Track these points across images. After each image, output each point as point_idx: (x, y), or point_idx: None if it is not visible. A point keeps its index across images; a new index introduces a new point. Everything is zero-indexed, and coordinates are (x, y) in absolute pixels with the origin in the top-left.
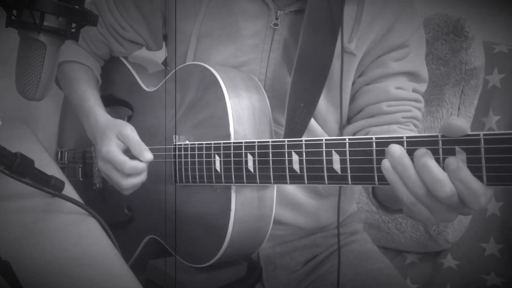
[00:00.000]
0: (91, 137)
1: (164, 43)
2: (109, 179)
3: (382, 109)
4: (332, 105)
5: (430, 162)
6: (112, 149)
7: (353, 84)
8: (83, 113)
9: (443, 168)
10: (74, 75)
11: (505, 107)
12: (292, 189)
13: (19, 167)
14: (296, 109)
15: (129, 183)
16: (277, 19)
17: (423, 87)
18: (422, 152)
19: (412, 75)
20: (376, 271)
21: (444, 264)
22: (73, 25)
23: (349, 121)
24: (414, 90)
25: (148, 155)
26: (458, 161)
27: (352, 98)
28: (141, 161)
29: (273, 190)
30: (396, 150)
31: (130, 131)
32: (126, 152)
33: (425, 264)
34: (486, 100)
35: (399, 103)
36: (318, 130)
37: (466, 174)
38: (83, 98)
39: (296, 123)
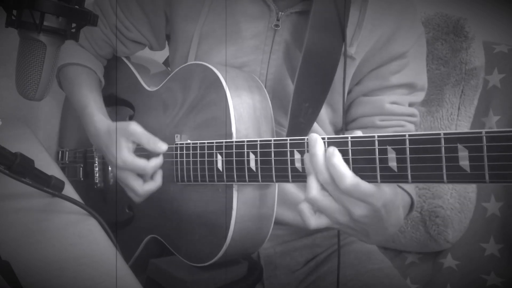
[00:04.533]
0: (94, 144)
1: (167, 43)
2: (126, 187)
3: (375, 123)
4: (329, 107)
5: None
6: (127, 157)
7: (349, 91)
8: (83, 120)
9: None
10: (76, 78)
11: (505, 107)
12: (291, 189)
13: (19, 167)
14: (301, 109)
15: (145, 190)
16: (278, 20)
17: (420, 96)
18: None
19: (410, 86)
20: (376, 271)
21: (444, 264)
22: (73, 25)
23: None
24: (410, 104)
25: (164, 146)
26: (335, 150)
27: (348, 107)
28: (158, 153)
29: (275, 190)
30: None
31: (136, 127)
32: (135, 152)
33: (425, 264)
34: (486, 100)
35: (393, 117)
36: (319, 131)
37: (338, 160)
38: (83, 104)
39: (301, 123)
